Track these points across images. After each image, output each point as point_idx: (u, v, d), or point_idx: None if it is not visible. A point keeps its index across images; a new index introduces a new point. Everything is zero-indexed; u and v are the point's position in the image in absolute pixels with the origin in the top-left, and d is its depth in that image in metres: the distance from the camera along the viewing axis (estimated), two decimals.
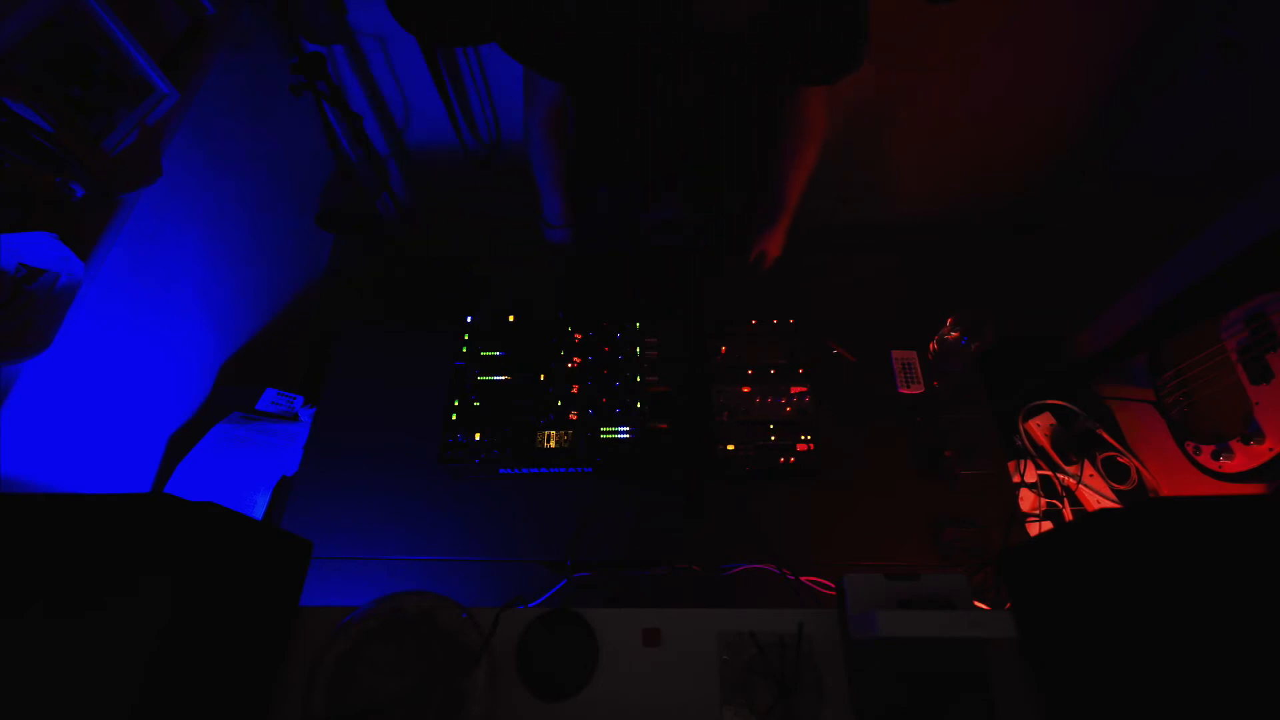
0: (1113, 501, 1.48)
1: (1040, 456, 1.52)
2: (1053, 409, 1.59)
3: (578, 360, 1.32)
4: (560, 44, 1.05)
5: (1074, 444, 1.54)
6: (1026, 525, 1.32)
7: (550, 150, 1.28)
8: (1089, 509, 1.46)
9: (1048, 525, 1.36)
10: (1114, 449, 1.53)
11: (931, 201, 2.27)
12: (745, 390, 1.29)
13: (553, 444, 1.23)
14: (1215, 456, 1.36)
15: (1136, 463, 1.52)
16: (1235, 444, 1.32)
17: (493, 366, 1.31)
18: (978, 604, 1.11)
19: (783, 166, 1.30)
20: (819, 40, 1.05)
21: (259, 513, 1.33)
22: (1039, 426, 1.57)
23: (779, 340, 1.34)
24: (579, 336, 1.34)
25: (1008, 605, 0.86)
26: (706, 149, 1.21)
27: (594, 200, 1.37)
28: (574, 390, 1.29)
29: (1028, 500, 1.40)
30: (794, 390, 1.29)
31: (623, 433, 1.25)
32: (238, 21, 1.48)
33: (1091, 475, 1.51)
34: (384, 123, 1.99)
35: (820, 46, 1.06)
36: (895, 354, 1.40)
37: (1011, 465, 1.40)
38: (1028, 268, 2.30)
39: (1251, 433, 1.29)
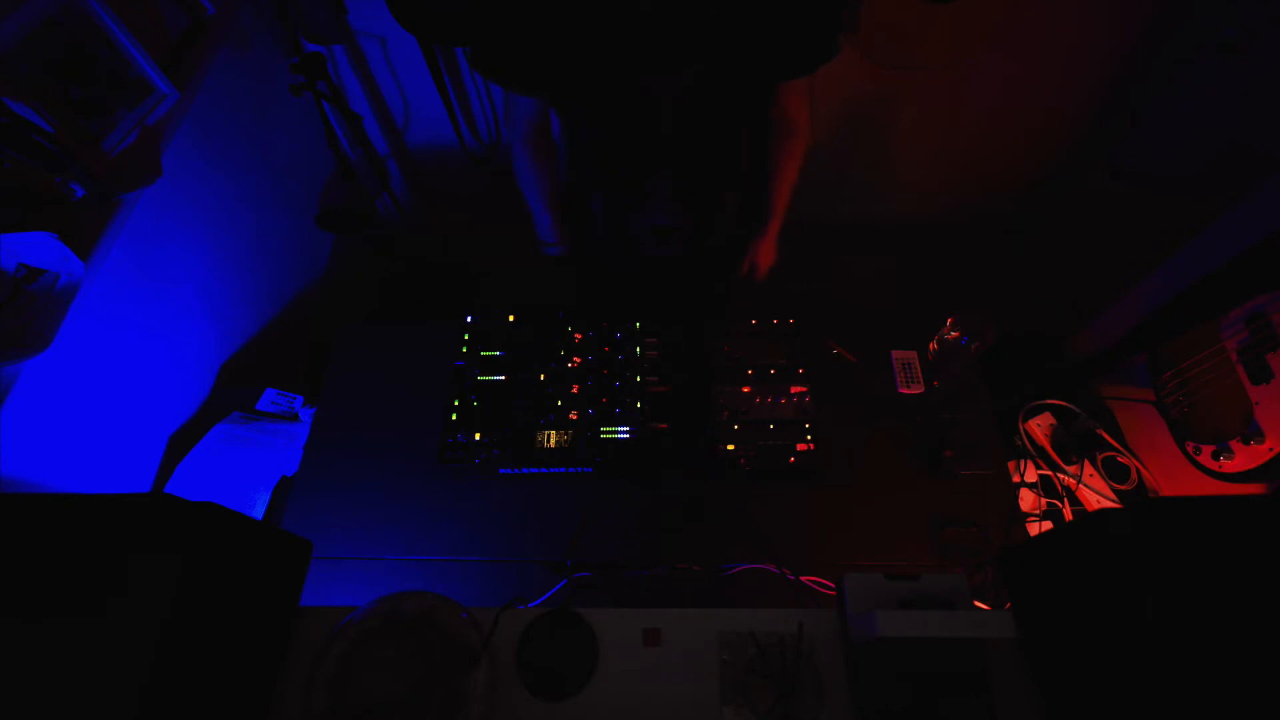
0: (1113, 501, 1.48)
1: (1040, 456, 1.52)
2: (1053, 409, 1.59)
3: (578, 360, 1.32)
4: (536, 50, 1.05)
5: (1074, 444, 1.54)
6: (1026, 525, 1.32)
7: (535, 167, 1.27)
8: (1089, 509, 1.46)
9: (1048, 525, 1.36)
10: (1114, 449, 1.53)
11: (931, 201, 2.27)
12: (745, 390, 1.29)
13: (553, 444, 1.23)
14: (1215, 456, 1.36)
15: (1136, 463, 1.52)
16: (1235, 444, 1.32)
17: (493, 366, 1.31)
18: (978, 604, 1.11)
19: (769, 169, 1.29)
20: (795, 30, 1.04)
21: (259, 513, 1.33)
22: (1039, 426, 1.57)
23: (779, 340, 1.34)
24: (579, 336, 1.34)
25: (1008, 605, 0.86)
26: (696, 149, 1.20)
27: (587, 208, 1.36)
28: (574, 390, 1.29)
29: (1028, 500, 1.40)
30: (794, 390, 1.29)
31: (623, 433, 1.25)
32: (238, 21, 1.48)
33: (1091, 475, 1.51)
34: (384, 123, 1.99)
35: (796, 37, 1.06)
36: (895, 354, 1.40)
37: (1011, 465, 1.40)
38: (1028, 267, 2.30)
39: (1251, 433, 1.29)
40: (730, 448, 1.24)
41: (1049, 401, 1.59)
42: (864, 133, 1.98)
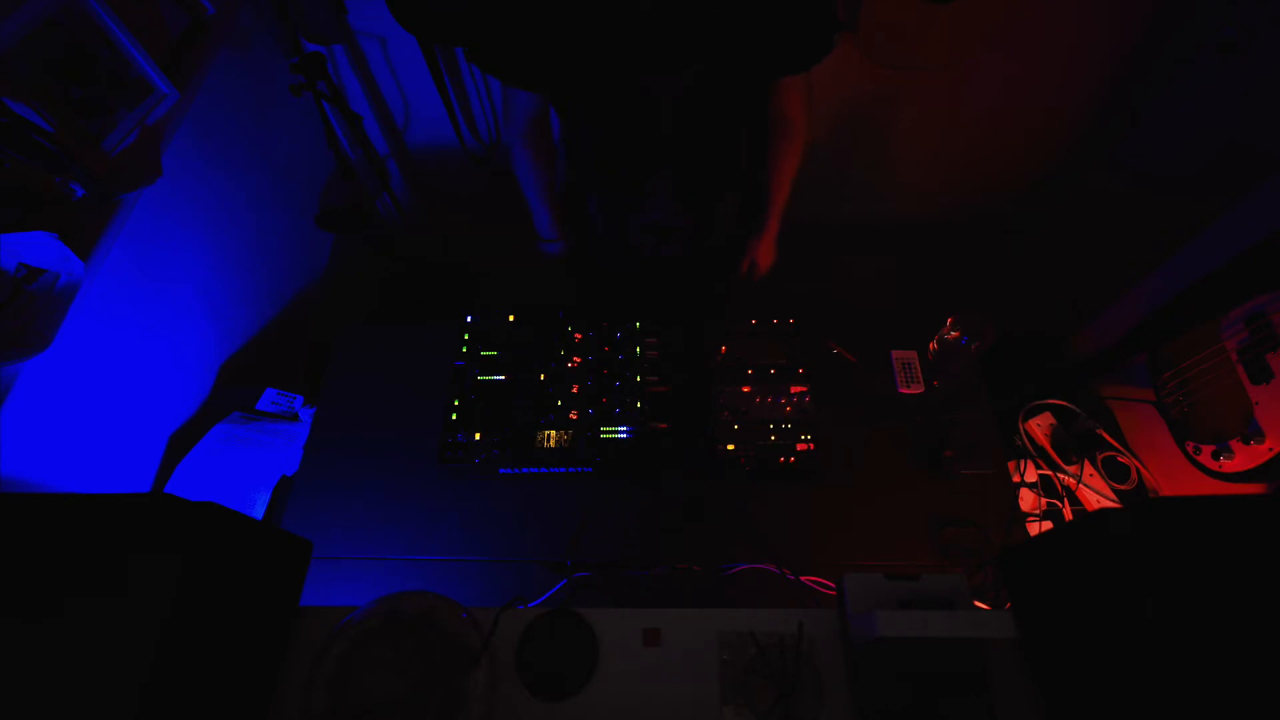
0: (1113, 501, 1.48)
1: (1040, 456, 1.52)
2: (1053, 409, 1.59)
3: (578, 360, 1.32)
4: (536, 51, 1.05)
5: (1074, 444, 1.54)
6: (1026, 525, 1.32)
7: (535, 163, 1.27)
8: (1089, 509, 1.46)
9: (1048, 525, 1.36)
10: (1114, 449, 1.53)
11: (931, 201, 2.27)
12: (745, 390, 1.29)
13: (553, 444, 1.23)
14: (1215, 456, 1.36)
15: (1136, 463, 1.52)
16: (1235, 444, 1.32)
17: (493, 366, 1.31)
18: (978, 604, 1.11)
19: (767, 169, 1.29)
20: (792, 27, 1.05)
21: (259, 513, 1.33)
22: (1039, 426, 1.57)
23: (779, 340, 1.34)
24: (579, 336, 1.34)
25: (1008, 605, 0.86)
26: (696, 149, 1.20)
27: (587, 209, 1.37)
28: (574, 390, 1.29)
29: (1028, 500, 1.40)
30: (794, 390, 1.29)
31: (623, 433, 1.25)
32: (238, 21, 1.48)
33: (1091, 475, 1.51)
34: (384, 123, 1.99)
35: (793, 33, 1.06)
36: (895, 354, 1.40)
37: (1011, 465, 1.40)
38: (1028, 267, 2.30)
39: (1251, 433, 1.29)
40: (730, 448, 1.24)
41: (1049, 401, 1.59)
42: (864, 133, 1.98)
